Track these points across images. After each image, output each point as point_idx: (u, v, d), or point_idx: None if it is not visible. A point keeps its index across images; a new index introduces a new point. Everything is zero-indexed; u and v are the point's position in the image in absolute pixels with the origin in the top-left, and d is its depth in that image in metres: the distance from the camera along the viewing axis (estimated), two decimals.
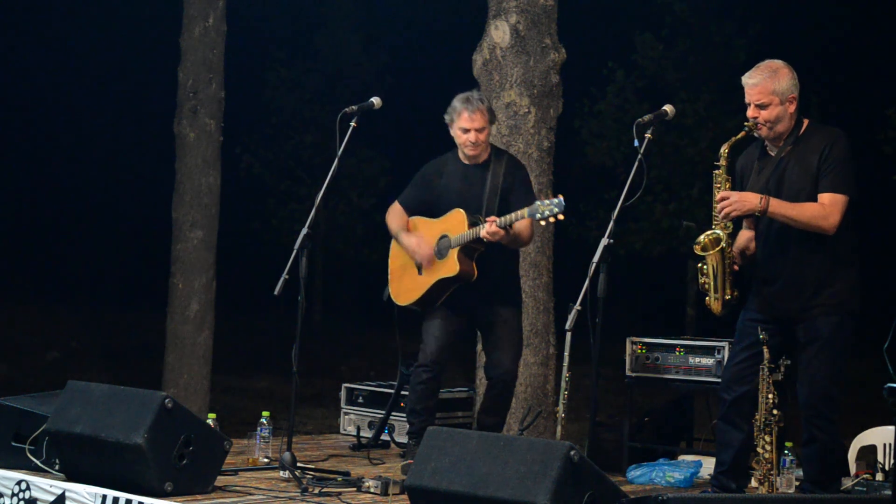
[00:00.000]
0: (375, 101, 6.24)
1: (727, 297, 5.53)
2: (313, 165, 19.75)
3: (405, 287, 6.48)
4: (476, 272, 6.25)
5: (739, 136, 5.53)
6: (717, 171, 5.54)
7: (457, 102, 6.32)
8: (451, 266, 6.24)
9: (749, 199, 5.40)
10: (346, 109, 6.15)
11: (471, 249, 6.23)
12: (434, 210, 6.45)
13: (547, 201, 5.90)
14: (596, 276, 5.29)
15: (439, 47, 20.10)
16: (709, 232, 5.52)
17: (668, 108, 5.68)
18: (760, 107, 5.44)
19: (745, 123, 5.52)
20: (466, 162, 6.40)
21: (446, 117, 6.35)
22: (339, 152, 6.03)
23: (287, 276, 5.77)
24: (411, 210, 6.53)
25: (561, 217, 5.92)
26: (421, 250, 6.37)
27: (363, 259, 20.04)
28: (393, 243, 6.61)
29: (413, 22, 20.97)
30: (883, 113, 15.01)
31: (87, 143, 21.41)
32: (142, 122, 19.71)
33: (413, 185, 6.59)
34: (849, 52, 18.67)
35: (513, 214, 6.04)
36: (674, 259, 18.00)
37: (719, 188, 5.52)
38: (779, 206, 5.37)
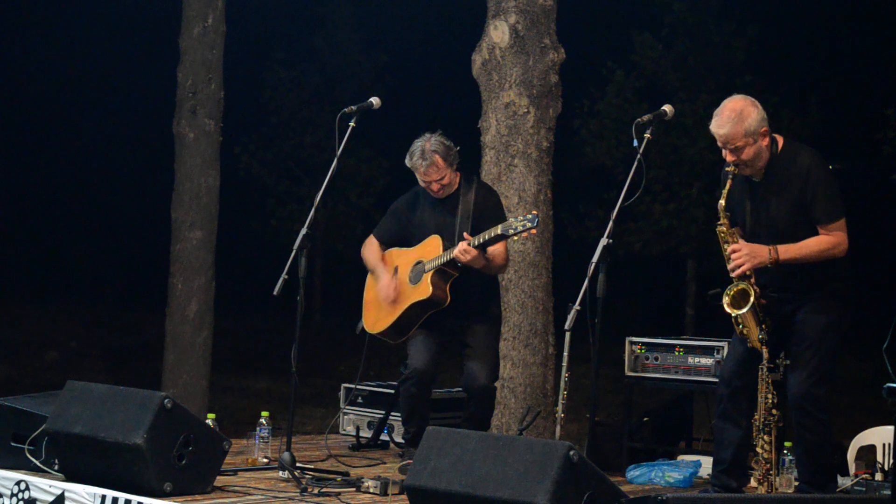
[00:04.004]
0: (375, 101, 6.23)
1: (765, 332, 5.50)
2: (313, 165, 19.76)
3: (380, 314, 6.45)
4: (449, 298, 6.19)
5: (727, 186, 5.48)
6: (720, 228, 5.51)
7: (414, 154, 6.22)
8: (423, 289, 6.19)
9: (760, 253, 5.39)
10: (346, 109, 6.15)
11: (445, 274, 6.19)
12: (409, 243, 6.42)
13: (521, 217, 5.89)
14: (595, 277, 5.29)
15: (439, 47, 20.12)
16: (733, 285, 5.47)
17: (667, 107, 5.67)
18: (736, 151, 5.42)
19: (727, 168, 5.47)
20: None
21: (407, 162, 6.29)
22: (339, 152, 6.03)
23: (286, 277, 5.77)
24: (387, 243, 6.52)
25: (534, 231, 5.91)
26: (384, 291, 6.33)
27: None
28: (369, 277, 6.58)
29: (413, 22, 20.98)
30: (883, 113, 15.01)
31: (87, 143, 21.41)
32: (141, 122, 19.71)
33: (387, 219, 6.58)
34: (849, 51, 18.67)
35: (485, 233, 6.02)
36: (673, 259, 17.99)
37: (727, 243, 5.49)
38: (787, 252, 5.38)
